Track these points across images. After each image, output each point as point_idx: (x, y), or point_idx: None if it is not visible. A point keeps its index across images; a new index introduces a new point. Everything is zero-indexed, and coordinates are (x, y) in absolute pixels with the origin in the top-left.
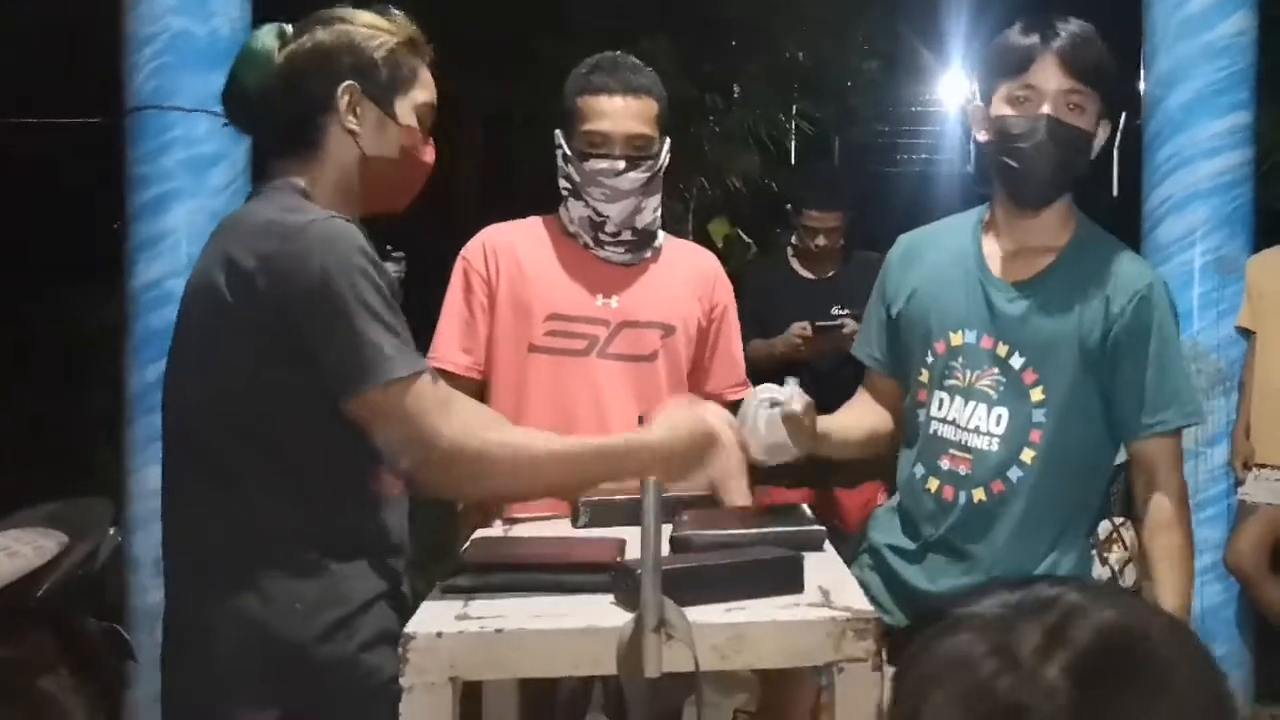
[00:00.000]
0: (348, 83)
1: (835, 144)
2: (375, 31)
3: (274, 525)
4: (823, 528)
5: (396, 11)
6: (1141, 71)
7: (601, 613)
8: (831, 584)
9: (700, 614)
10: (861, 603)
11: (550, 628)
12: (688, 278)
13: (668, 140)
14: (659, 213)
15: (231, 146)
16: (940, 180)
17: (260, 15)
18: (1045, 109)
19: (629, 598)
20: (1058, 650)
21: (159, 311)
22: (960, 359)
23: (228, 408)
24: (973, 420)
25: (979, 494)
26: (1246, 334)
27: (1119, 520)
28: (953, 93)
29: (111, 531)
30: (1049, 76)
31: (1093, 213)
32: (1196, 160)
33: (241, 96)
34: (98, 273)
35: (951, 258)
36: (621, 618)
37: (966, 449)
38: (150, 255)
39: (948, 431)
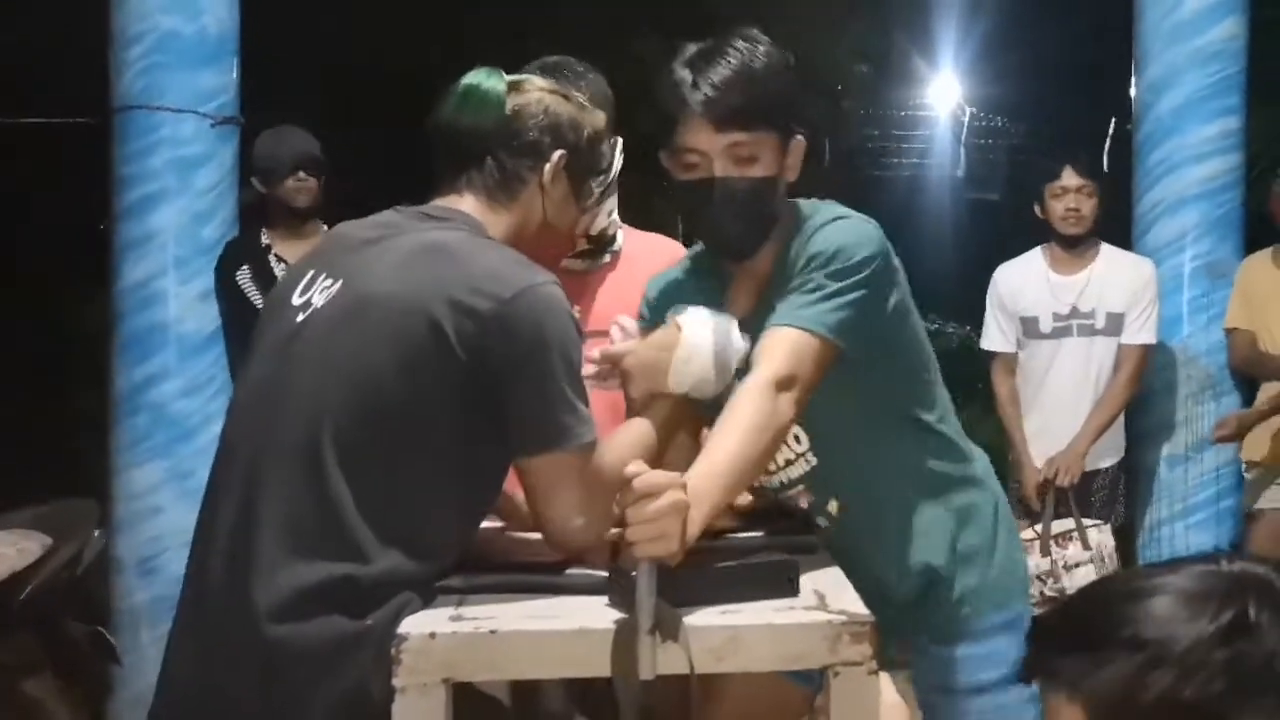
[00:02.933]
0: (561, 152)
1: (825, 146)
2: (586, 113)
3: (364, 568)
4: (815, 535)
5: (581, 97)
6: (1133, 77)
7: (596, 614)
8: (827, 587)
9: (695, 617)
10: (857, 606)
11: (544, 629)
12: (648, 278)
13: (619, 141)
14: (614, 215)
15: (218, 147)
16: (930, 184)
17: (248, 15)
18: (713, 171)
19: (624, 599)
20: None
21: (145, 312)
22: None
23: (377, 434)
24: (781, 456)
25: (833, 508)
26: (1229, 334)
27: (1090, 522)
28: (943, 97)
29: (96, 533)
30: (703, 138)
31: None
32: (1187, 165)
33: (454, 126)
34: (84, 273)
35: (706, 306)
36: (617, 619)
37: (795, 482)
38: (136, 256)
39: (769, 481)
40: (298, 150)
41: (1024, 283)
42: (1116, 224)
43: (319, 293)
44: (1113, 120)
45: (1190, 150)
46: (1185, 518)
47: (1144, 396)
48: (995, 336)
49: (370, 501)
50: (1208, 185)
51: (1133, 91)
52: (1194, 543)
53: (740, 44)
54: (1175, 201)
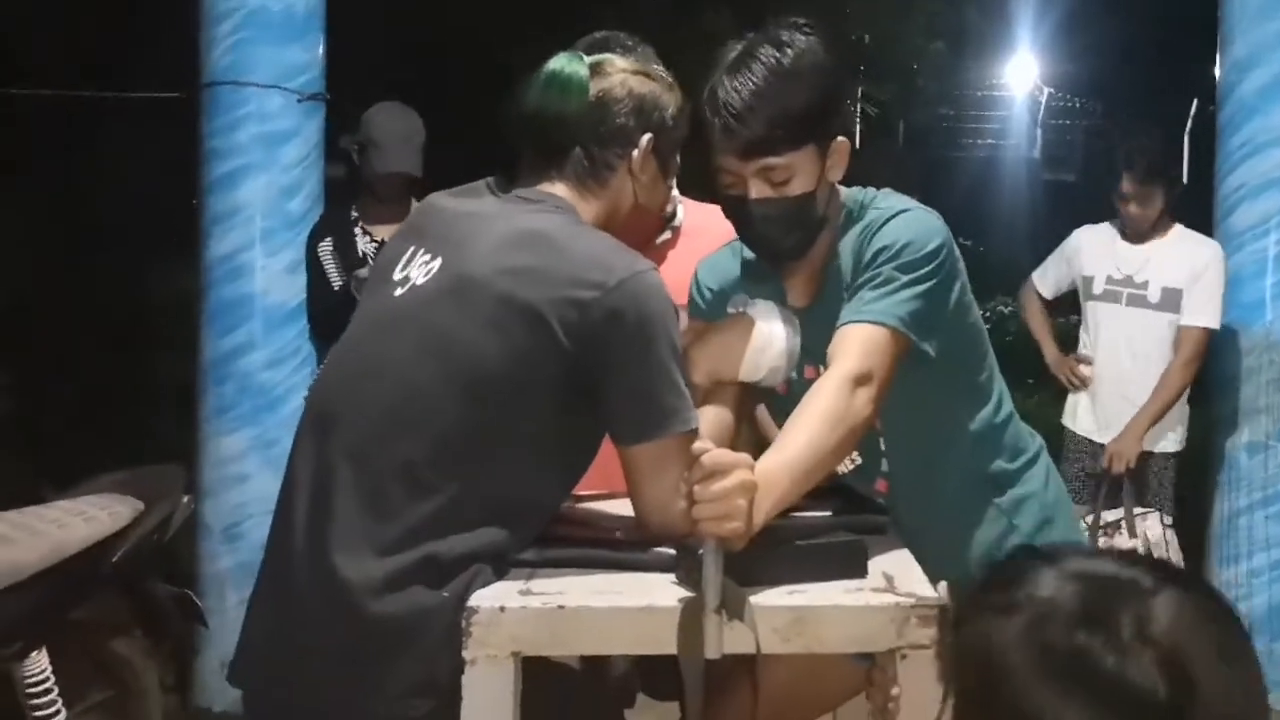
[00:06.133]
0: (649, 135)
1: (900, 126)
2: (668, 90)
3: (447, 544)
4: (885, 515)
5: (660, 67)
6: (1217, 56)
7: (663, 591)
8: (895, 569)
9: (761, 596)
10: (926, 589)
11: (611, 605)
12: (705, 253)
13: None
14: (674, 190)
15: (304, 122)
16: (1005, 164)
17: None
18: (749, 192)
19: (691, 577)
20: (1149, 643)
21: (232, 284)
22: (795, 396)
23: (474, 415)
24: None
25: (880, 486)
26: None
27: (1140, 510)
28: (1020, 76)
29: (185, 499)
30: (734, 162)
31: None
32: (1272, 147)
33: (539, 114)
34: (172, 245)
35: (762, 296)
36: (683, 597)
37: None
38: (224, 228)
39: None
40: (398, 169)
41: (1091, 243)
42: (1199, 207)
43: (418, 268)
44: (1194, 101)
45: (1276, 131)
46: (1265, 507)
47: (1224, 382)
48: (1040, 272)
49: (461, 479)
50: None
51: (1216, 71)
52: (1273, 533)
53: (767, 52)
54: (1259, 184)
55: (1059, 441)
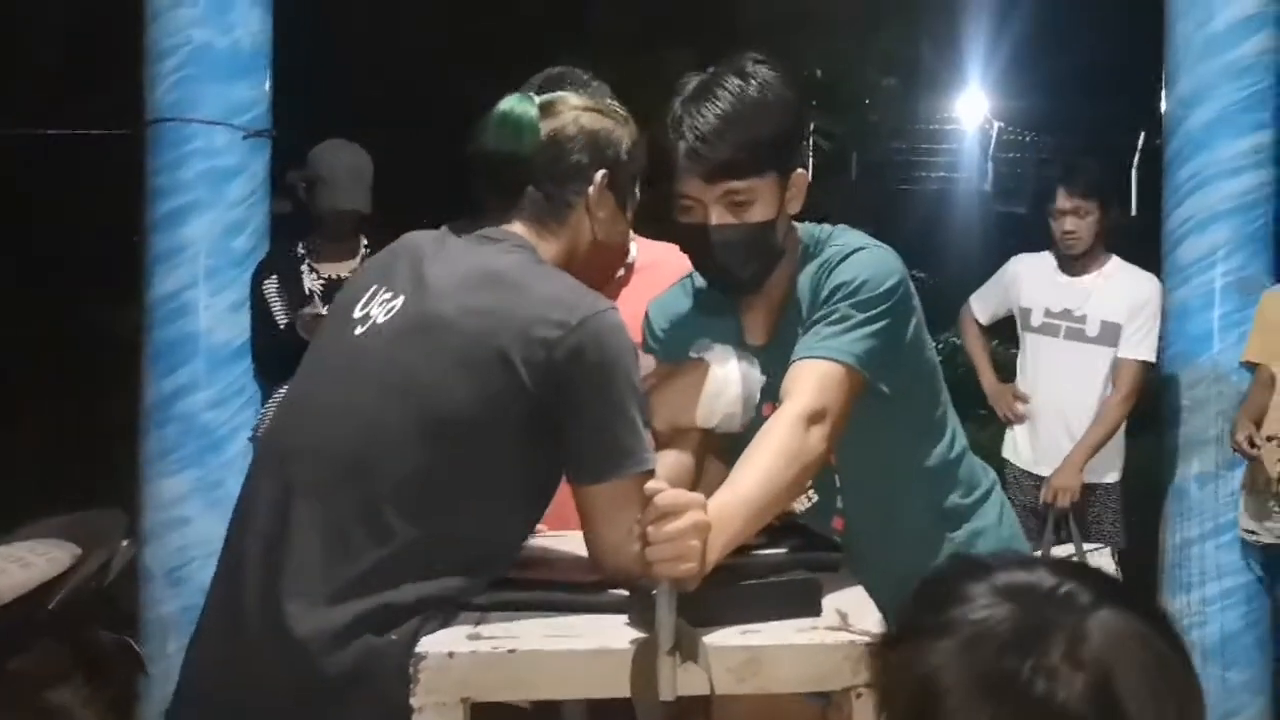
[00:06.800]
0: (604, 171)
1: (852, 160)
2: (623, 125)
3: (404, 591)
4: (839, 552)
5: (614, 102)
6: (1163, 91)
7: (616, 633)
8: (850, 606)
9: (715, 637)
10: (880, 626)
11: (563, 649)
12: (658, 290)
13: None
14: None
15: (250, 159)
16: (957, 197)
17: (280, 28)
18: (709, 218)
19: (644, 618)
20: (1080, 666)
21: (176, 323)
22: (750, 432)
23: (436, 456)
24: None
25: (836, 524)
26: (1251, 367)
27: (1091, 546)
28: (971, 110)
29: (125, 543)
30: (697, 186)
31: (1112, 233)
32: (1218, 180)
33: (493, 156)
34: (115, 283)
35: (717, 334)
36: (636, 639)
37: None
38: (168, 267)
39: None
40: (347, 205)
41: (1029, 273)
42: (1146, 240)
43: (379, 306)
44: (1141, 135)
45: (1221, 165)
46: (1216, 536)
47: (1172, 414)
48: (978, 298)
49: (424, 521)
50: (1239, 200)
51: (1163, 106)
52: (1224, 562)
53: (733, 82)
54: (1206, 217)
55: (1000, 474)
